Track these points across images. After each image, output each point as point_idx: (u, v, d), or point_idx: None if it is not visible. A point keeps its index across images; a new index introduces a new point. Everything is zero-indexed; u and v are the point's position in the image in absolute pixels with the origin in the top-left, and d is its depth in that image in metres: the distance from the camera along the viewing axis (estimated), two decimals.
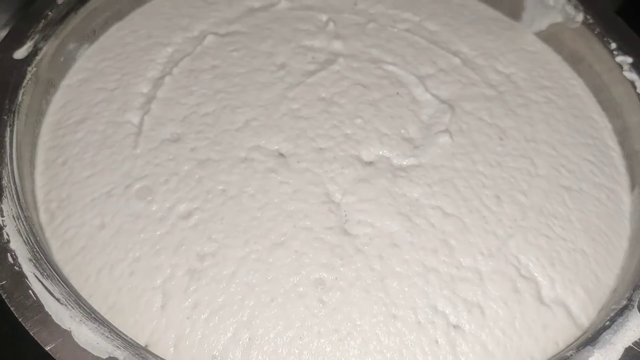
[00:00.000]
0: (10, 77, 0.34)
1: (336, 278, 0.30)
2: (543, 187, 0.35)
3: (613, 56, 0.39)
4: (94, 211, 0.32)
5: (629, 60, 0.39)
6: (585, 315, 0.31)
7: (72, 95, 0.37)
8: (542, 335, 0.30)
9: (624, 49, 0.39)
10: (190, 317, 0.29)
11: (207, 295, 0.29)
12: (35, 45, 0.36)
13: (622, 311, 0.28)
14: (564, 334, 0.30)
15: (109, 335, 0.26)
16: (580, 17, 0.41)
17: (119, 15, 0.42)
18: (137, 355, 0.25)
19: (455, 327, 0.29)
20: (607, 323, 0.28)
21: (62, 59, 0.38)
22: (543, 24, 0.44)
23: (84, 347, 0.25)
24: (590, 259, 0.33)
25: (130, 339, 0.26)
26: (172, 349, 0.28)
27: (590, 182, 0.36)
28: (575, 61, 0.42)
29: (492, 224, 0.33)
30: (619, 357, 0.27)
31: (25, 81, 0.35)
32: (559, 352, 0.28)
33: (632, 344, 0.27)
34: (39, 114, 0.36)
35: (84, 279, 0.30)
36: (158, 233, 0.31)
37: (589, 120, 0.39)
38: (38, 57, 0.36)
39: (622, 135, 0.39)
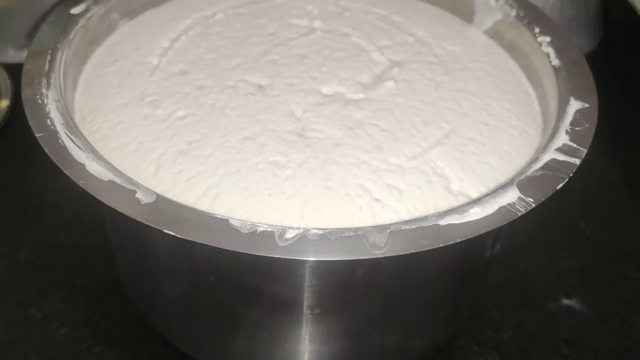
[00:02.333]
0: (66, 23, 0.47)
1: (288, 161, 0.39)
2: (464, 120, 0.43)
3: (535, 37, 0.49)
4: (114, 114, 0.43)
5: (547, 39, 0.48)
6: None
7: (111, 48, 0.49)
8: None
9: (544, 32, 0.49)
10: (174, 179, 0.38)
11: (189, 166, 0.39)
12: (87, 7, 0.49)
13: (504, 187, 0.36)
14: None
15: (112, 170, 0.35)
16: (514, 12, 0.51)
17: (155, 3, 0.54)
18: (129, 182, 0.35)
19: (377, 200, 0.37)
20: (489, 192, 0.36)
21: (106, 23, 0.50)
22: (489, 22, 0.54)
23: (92, 173, 0.35)
24: (496, 170, 0.41)
25: (127, 175, 0.36)
26: None
27: (506, 123, 0.44)
28: (511, 48, 0.52)
29: (418, 138, 0.41)
30: (493, 211, 0.34)
31: (77, 27, 0.47)
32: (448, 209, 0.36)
33: (506, 204, 0.35)
34: (84, 57, 0.48)
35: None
36: (159, 127, 0.41)
37: (517, 87, 0.48)
38: (88, 15, 0.48)
39: (541, 99, 0.48)
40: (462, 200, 0.38)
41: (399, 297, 0.41)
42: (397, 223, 0.33)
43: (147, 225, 0.33)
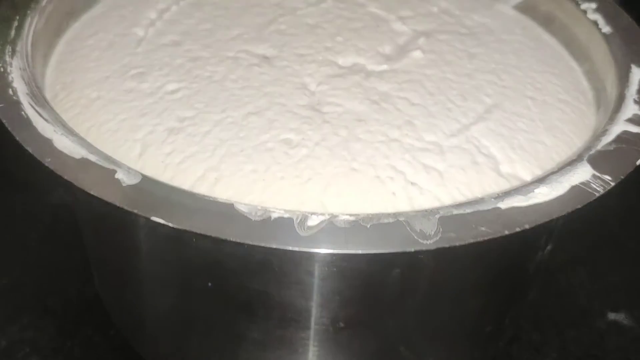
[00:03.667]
0: None
1: (303, 139, 0.32)
2: (508, 94, 0.37)
3: (578, 5, 0.43)
4: (91, 88, 0.36)
5: (593, 5, 0.42)
6: None
7: (90, 20, 0.42)
8: None
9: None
10: (164, 161, 0.31)
11: (183, 146, 0.32)
12: None
13: (572, 163, 0.29)
14: None
15: (86, 146, 0.28)
16: None
17: None
18: (108, 159, 0.28)
19: (413, 183, 0.31)
20: (555, 170, 0.29)
21: None
22: None
23: (61, 149, 0.28)
24: (551, 150, 0.34)
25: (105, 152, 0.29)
26: None
27: (555, 97, 0.38)
28: (548, 22, 0.46)
29: (456, 113, 0.35)
30: (565, 191, 0.27)
31: None
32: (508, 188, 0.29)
33: (579, 183, 0.28)
34: (59, 30, 0.41)
35: None
36: (145, 102, 0.34)
37: (560, 61, 0.42)
38: None
39: (590, 75, 0.41)
40: (516, 184, 0.32)
41: (438, 305, 0.33)
42: (446, 207, 0.27)
43: (130, 214, 0.25)
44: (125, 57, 0.38)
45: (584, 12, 0.42)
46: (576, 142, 0.35)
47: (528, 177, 0.32)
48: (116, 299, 0.41)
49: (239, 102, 0.34)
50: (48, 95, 0.36)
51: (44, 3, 0.39)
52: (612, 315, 0.50)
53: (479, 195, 0.31)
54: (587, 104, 0.39)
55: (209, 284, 0.31)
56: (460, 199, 0.30)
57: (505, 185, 0.31)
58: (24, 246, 0.49)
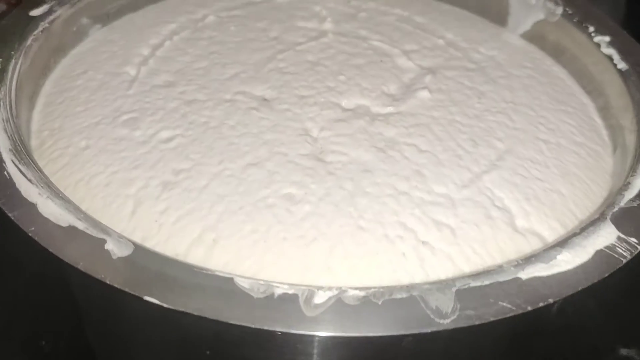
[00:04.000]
0: (24, 27, 0.38)
1: (306, 193, 0.30)
2: (520, 137, 0.35)
3: (591, 38, 0.41)
4: (81, 136, 0.34)
5: (607, 39, 0.40)
6: None
7: (80, 56, 0.40)
8: (515, 257, 0.29)
9: (600, 31, 0.41)
10: (158, 220, 0.29)
11: (178, 203, 0.30)
12: (50, 8, 0.40)
13: (594, 222, 0.27)
14: None
15: (73, 211, 0.26)
16: (559, 10, 0.44)
17: (133, 7, 0.46)
18: (97, 227, 0.26)
19: (424, 242, 0.29)
20: (577, 231, 0.27)
21: (74, 29, 0.41)
22: (527, 24, 0.46)
23: (47, 216, 0.26)
24: (568, 200, 0.32)
25: (94, 218, 0.27)
26: None
27: (569, 139, 0.36)
28: (558, 53, 0.44)
29: (466, 161, 0.33)
30: (589, 257, 0.26)
31: (37, 31, 0.38)
32: (527, 254, 0.27)
33: (603, 247, 0.26)
34: (46, 68, 0.39)
35: (62, 189, 0.31)
36: (138, 152, 0.32)
37: (571, 96, 0.40)
38: (52, 17, 0.39)
39: (604, 112, 0.39)
40: (533, 240, 0.30)
41: None
42: (463, 277, 0.25)
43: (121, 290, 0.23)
44: (116, 99, 0.36)
45: (597, 45, 0.40)
46: (594, 189, 0.33)
47: (545, 232, 0.30)
48: (107, 353, 0.39)
49: (237, 152, 0.32)
50: (34, 142, 0.34)
51: (29, 41, 0.37)
52: (623, 351, 0.48)
53: (495, 254, 0.29)
54: (602, 145, 0.37)
55: (207, 352, 0.29)
56: (475, 258, 0.29)
57: (521, 242, 0.30)
58: (11, 289, 0.47)
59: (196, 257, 0.28)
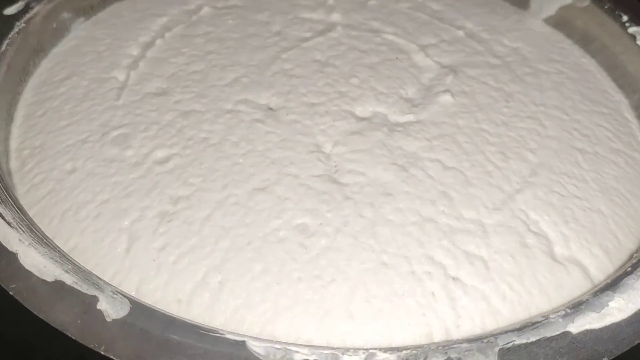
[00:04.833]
0: None
1: (321, 224, 0.27)
2: (554, 147, 0.32)
3: (625, 28, 0.37)
4: (66, 157, 0.30)
5: None
6: (605, 276, 0.27)
7: (61, 58, 0.36)
8: (555, 293, 0.26)
9: (635, 21, 0.37)
10: (156, 260, 0.26)
11: (178, 238, 0.26)
12: (27, 5, 0.35)
13: None
14: (581, 294, 0.26)
15: (59, 260, 0.23)
16: None
17: None
18: (87, 281, 0.22)
19: (455, 279, 0.26)
20: (629, 269, 0.24)
21: (54, 25, 0.37)
22: (552, 9, 0.42)
23: (29, 269, 0.22)
24: (609, 219, 0.29)
25: (82, 266, 0.23)
26: (133, 292, 0.25)
27: (606, 146, 0.33)
28: (587, 42, 0.40)
29: (497, 178, 0.30)
30: None
31: (12, 34, 0.34)
32: (575, 298, 0.24)
33: None
34: (25, 72, 0.35)
35: (48, 221, 0.28)
36: (131, 177, 0.29)
37: (604, 93, 0.37)
38: (28, 15, 0.35)
39: (639, 110, 0.36)
40: (574, 271, 0.27)
41: None
42: (506, 333, 0.22)
43: None
44: (104, 112, 0.32)
45: (632, 37, 0.37)
46: (635, 205, 0.30)
47: (586, 259, 0.27)
48: None
49: (242, 174, 0.29)
50: (14, 164, 0.30)
51: (3, 47, 0.33)
52: None
53: (533, 290, 0.26)
54: (638, 150, 0.34)
55: None
56: (512, 296, 0.26)
57: (561, 274, 0.27)
58: None
59: (201, 303, 0.25)
